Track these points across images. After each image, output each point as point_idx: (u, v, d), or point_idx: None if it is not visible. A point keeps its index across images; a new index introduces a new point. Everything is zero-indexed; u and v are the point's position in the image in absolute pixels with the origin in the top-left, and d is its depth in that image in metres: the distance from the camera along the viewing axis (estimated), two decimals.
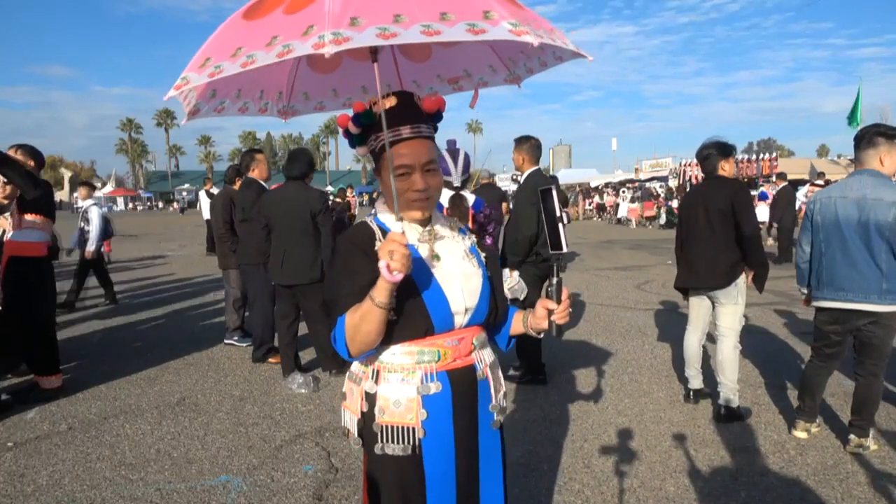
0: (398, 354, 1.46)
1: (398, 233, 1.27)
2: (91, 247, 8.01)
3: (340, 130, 1.49)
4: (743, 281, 3.81)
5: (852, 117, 21.06)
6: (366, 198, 46.36)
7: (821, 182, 13.57)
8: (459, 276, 1.49)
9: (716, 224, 3.82)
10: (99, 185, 65.41)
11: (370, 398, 1.48)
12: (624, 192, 28.95)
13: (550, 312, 1.48)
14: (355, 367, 1.55)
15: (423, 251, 1.48)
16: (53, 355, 4.45)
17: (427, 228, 1.51)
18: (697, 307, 4.08)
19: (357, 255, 1.43)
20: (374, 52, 1.40)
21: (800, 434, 3.57)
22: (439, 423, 1.46)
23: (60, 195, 59.45)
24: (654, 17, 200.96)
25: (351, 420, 1.53)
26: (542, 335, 1.57)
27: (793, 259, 9.60)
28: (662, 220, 23.03)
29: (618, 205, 27.93)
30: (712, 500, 2.92)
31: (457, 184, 4.08)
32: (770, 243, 13.61)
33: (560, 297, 1.46)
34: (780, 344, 5.69)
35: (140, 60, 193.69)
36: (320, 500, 2.95)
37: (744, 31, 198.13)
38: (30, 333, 4.32)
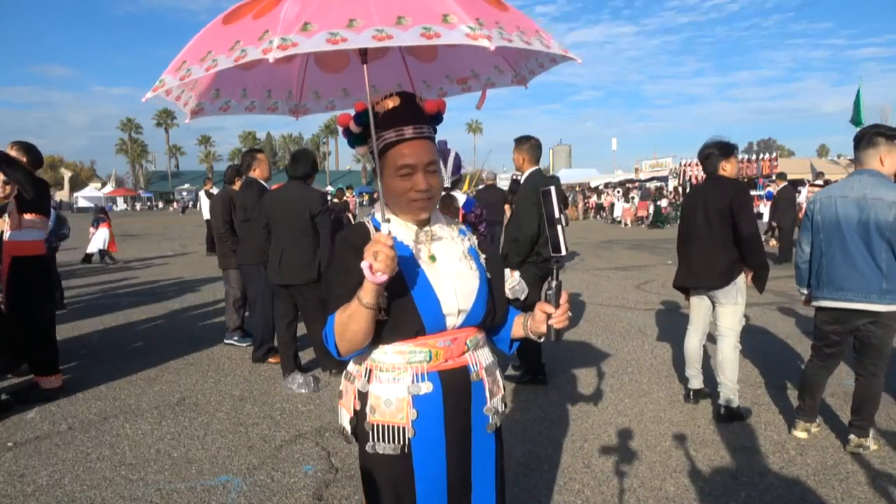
0: (390, 354, 1.46)
1: (384, 234, 1.28)
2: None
3: (340, 129, 1.50)
4: (742, 281, 3.81)
5: (857, 116, 20.96)
6: (366, 198, 46.31)
7: (820, 182, 13.58)
8: (454, 278, 1.48)
9: (714, 224, 3.82)
10: (99, 185, 65.53)
11: (362, 397, 1.48)
12: (618, 192, 29.08)
13: (549, 317, 1.47)
14: (350, 366, 1.56)
15: (419, 252, 1.47)
16: (53, 355, 4.45)
17: (424, 229, 1.51)
18: (698, 307, 4.08)
19: (351, 255, 1.42)
20: (363, 53, 1.40)
21: (800, 434, 3.57)
22: (430, 423, 1.46)
23: (60, 195, 59.45)
24: (654, 17, 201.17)
25: (345, 418, 1.54)
26: (542, 339, 1.55)
27: (793, 259, 9.60)
28: (650, 220, 23.38)
29: (613, 204, 28.10)
30: (712, 500, 2.92)
31: (447, 184, 4.08)
32: (773, 244, 13.62)
33: (559, 300, 1.45)
34: (780, 344, 5.69)
35: (140, 60, 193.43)
36: (320, 500, 2.95)
37: (744, 31, 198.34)
38: (30, 333, 4.32)
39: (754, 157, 31.47)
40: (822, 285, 3.36)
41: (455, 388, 1.48)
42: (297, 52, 1.17)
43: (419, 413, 1.44)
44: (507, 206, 7.98)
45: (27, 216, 4.25)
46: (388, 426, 1.44)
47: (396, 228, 1.46)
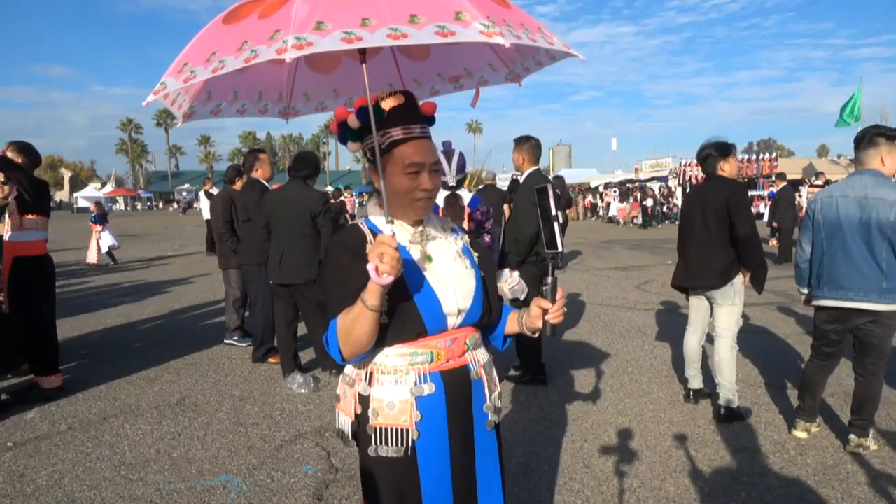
0: (391, 356, 1.45)
1: (388, 235, 1.27)
2: None
3: (332, 124, 1.47)
4: (740, 281, 3.81)
5: (849, 114, 20.88)
6: (365, 198, 46.21)
7: (819, 182, 13.58)
8: (451, 278, 1.48)
9: (712, 224, 3.82)
10: (99, 185, 65.51)
11: (363, 400, 1.47)
12: (615, 191, 29.25)
13: (545, 312, 1.47)
14: (348, 369, 1.55)
15: (415, 252, 1.47)
16: (54, 355, 4.45)
17: (419, 229, 1.51)
18: (697, 307, 4.08)
19: (348, 258, 1.42)
20: (363, 52, 1.38)
21: (800, 434, 3.57)
22: (433, 424, 1.45)
23: (60, 195, 59.47)
24: (654, 17, 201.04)
25: (345, 422, 1.53)
26: (536, 335, 1.56)
27: (793, 259, 9.59)
28: (639, 219, 23.50)
29: (609, 204, 28.26)
30: (712, 500, 2.92)
31: (452, 183, 4.08)
32: (773, 244, 13.62)
33: (555, 296, 1.46)
34: (780, 344, 5.69)
35: (140, 60, 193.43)
36: (320, 500, 2.94)
37: (744, 31, 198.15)
38: (30, 333, 4.32)
39: (754, 157, 31.43)
40: (822, 284, 3.36)
41: (457, 387, 1.48)
42: (313, 51, 1.15)
43: (423, 415, 1.44)
44: (506, 206, 7.99)
45: (28, 217, 4.26)
46: (392, 429, 1.44)
47: (394, 229, 1.44)
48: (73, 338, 6.19)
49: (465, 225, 4.11)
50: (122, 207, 62.63)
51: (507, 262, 4.37)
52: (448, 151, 4.17)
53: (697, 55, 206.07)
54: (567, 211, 15.39)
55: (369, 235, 1.46)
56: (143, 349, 5.75)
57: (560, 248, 1.50)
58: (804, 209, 4.15)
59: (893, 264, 3.13)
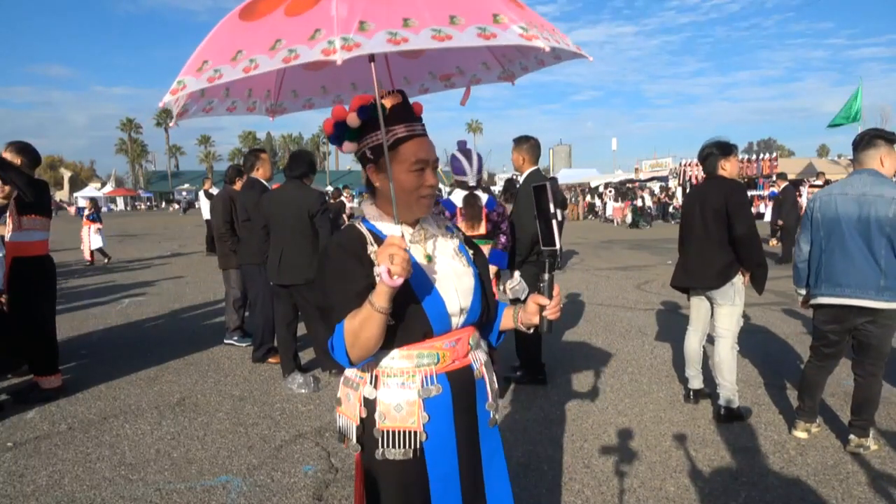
0: (397, 359, 1.44)
1: (397, 236, 1.26)
2: None
3: (326, 124, 1.44)
4: (740, 282, 3.81)
5: (845, 115, 20.85)
6: (365, 198, 46.23)
7: (819, 182, 13.58)
8: (452, 276, 1.49)
9: (711, 224, 3.82)
10: (98, 184, 65.50)
11: (369, 404, 1.46)
12: (611, 191, 29.39)
13: (542, 308, 1.48)
14: (351, 372, 1.53)
15: (416, 252, 1.47)
16: (53, 355, 4.45)
17: (417, 228, 1.51)
18: (697, 307, 4.08)
19: (349, 259, 1.41)
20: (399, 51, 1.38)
21: (800, 434, 3.57)
22: (441, 424, 1.46)
23: (60, 195, 59.44)
24: (654, 18, 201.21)
25: (348, 426, 1.51)
26: (532, 331, 1.57)
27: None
28: (629, 219, 23.66)
29: (606, 203, 28.46)
30: (712, 500, 2.92)
31: (472, 183, 4.08)
32: (773, 244, 13.61)
33: (552, 292, 1.47)
34: (780, 344, 5.69)
35: (140, 60, 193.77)
36: (320, 500, 2.94)
37: (744, 31, 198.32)
38: (30, 333, 4.32)
39: (754, 157, 31.43)
40: (820, 282, 3.36)
41: (462, 387, 1.49)
42: (361, 53, 1.11)
43: (430, 416, 1.44)
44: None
45: (28, 217, 4.25)
46: (400, 431, 1.43)
47: (393, 229, 1.42)
48: (73, 338, 6.19)
49: (483, 225, 4.11)
50: (122, 207, 62.61)
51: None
52: (466, 150, 4.18)
53: (697, 55, 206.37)
54: (563, 211, 15.41)
55: (369, 236, 1.45)
56: (143, 349, 5.75)
57: (557, 246, 1.50)
58: (804, 209, 4.14)
59: (892, 262, 3.13)
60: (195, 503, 2.92)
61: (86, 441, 3.65)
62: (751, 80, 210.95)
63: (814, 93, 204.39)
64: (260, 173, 5.23)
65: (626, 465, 3.26)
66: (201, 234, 14.67)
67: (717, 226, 3.79)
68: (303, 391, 4.46)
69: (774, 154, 31.72)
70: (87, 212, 13.03)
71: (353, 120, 1.41)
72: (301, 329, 4.89)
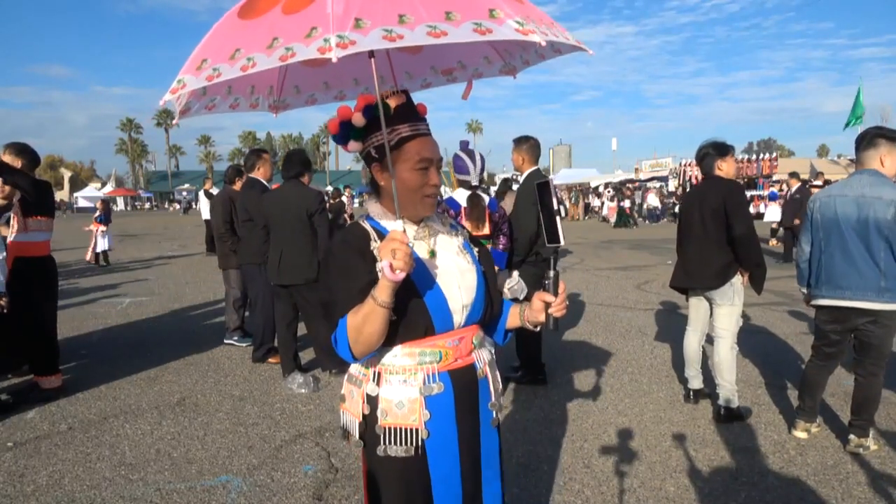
0: (399, 356, 1.45)
1: (399, 231, 1.27)
2: None
3: (332, 124, 1.45)
4: (739, 282, 3.81)
5: (853, 117, 20.93)
6: (365, 198, 46.29)
7: (819, 182, 13.56)
8: (456, 273, 1.49)
9: (709, 224, 3.82)
10: (99, 184, 65.50)
11: (372, 401, 1.47)
12: (609, 191, 29.54)
13: (548, 305, 1.49)
14: (355, 369, 1.54)
15: (420, 249, 1.48)
16: (54, 355, 4.45)
17: (421, 225, 1.52)
18: (696, 307, 4.08)
19: (353, 256, 1.42)
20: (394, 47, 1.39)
21: (800, 434, 3.57)
22: (442, 423, 1.46)
23: (60, 195, 59.41)
24: (654, 17, 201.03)
25: (351, 423, 1.52)
26: (538, 328, 1.57)
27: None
28: (614, 219, 23.82)
29: (603, 203, 28.65)
30: (712, 500, 2.92)
31: (475, 182, 4.09)
32: (773, 243, 13.60)
33: (557, 289, 1.47)
34: (780, 344, 5.69)
35: (140, 60, 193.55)
36: (320, 500, 2.95)
37: (744, 31, 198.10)
38: (31, 333, 4.32)
39: (754, 157, 31.45)
40: (820, 284, 3.36)
41: (464, 386, 1.50)
42: (356, 50, 1.13)
43: (432, 414, 1.45)
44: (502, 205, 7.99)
45: (33, 219, 4.29)
46: (401, 429, 1.44)
47: (396, 225, 1.42)
48: (73, 338, 6.19)
49: (487, 226, 4.11)
50: (122, 207, 62.61)
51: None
52: (468, 151, 4.18)
53: (697, 55, 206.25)
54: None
55: (372, 233, 1.47)
56: (143, 349, 5.75)
57: (562, 242, 1.51)
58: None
59: (892, 263, 3.13)
60: (195, 503, 2.92)
61: (86, 441, 3.65)
62: (751, 80, 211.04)
63: (814, 93, 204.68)
64: (260, 173, 5.24)
65: (626, 465, 3.26)
66: (201, 234, 14.66)
67: (715, 226, 3.79)
68: (303, 391, 4.46)
69: (774, 154, 31.77)
70: (97, 213, 13.08)
71: (358, 119, 1.42)
72: (301, 329, 4.89)
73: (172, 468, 3.28)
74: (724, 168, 3.91)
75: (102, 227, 12.71)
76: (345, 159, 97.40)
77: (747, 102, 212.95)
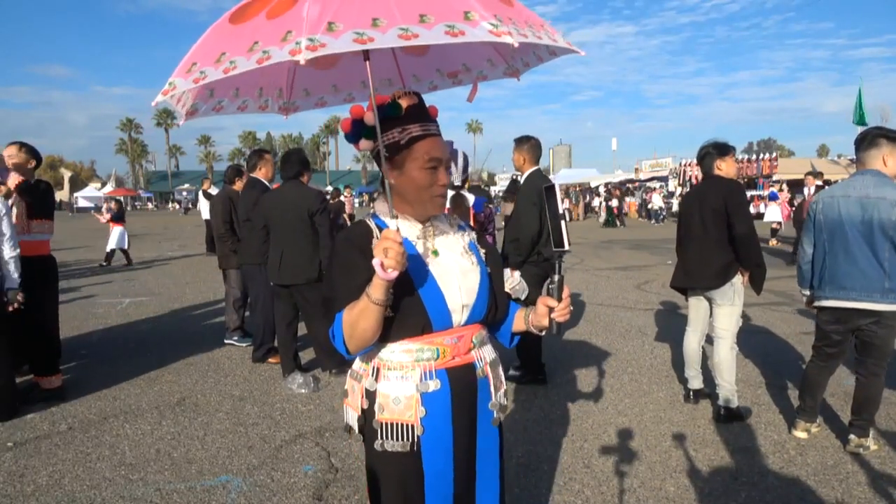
0: (397, 352, 1.47)
1: (392, 230, 1.29)
2: None
3: (344, 123, 1.48)
4: (739, 282, 3.81)
5: (859, 116, 20.90)
6: (366, 198, 46.37)
7: (819, 182, 13.54)
8: (457, 273, 1.50)
9: (710, 224, 3.82)
10: (99, 184, 65.51)
11: (370, 395, 1.49)
12: (608, 192, 29.66)
13: (551, 310, 1.49)
14: (356, 364, 1.57)
15: (422, 248, 1.49)
16: (55, 355, 4.45)
17: (426, 225, 1.53)
18: (696, 308, 4.08)
19: (354, 253, 1.44)
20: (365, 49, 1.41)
21: (800, 434, 3.57)
22: (438, 420, 1.47)
23: (60, 195, 59.41)
24: (654, 18, 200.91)
25: (352, 417, 1.55)
26: (543, 333, 1.58)
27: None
28: (602, 218, 24.01)
29: (601, 203, 28.76)
30: (712, 500, 2.92)
31: (457, 183, 4.09)
32: (773, 243, 13.59)
33: (561, 294, 1.48)
34: (780, 344, 5.69)
35: (140, 60, 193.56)
36: (320, 500, 2.95)
37: (744, 31, 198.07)
38: (32, 333, 4.32)
39: (754, 157, 31.46)
40: (824, 285, 3.35)
41: (462, 384, 1.50)
42: (326, 52, 1.16)
43: (428, 411, 1.46)
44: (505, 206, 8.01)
45: (37, 221, 4.37)
46: (398, 424, 1.46)
47: (401, 224, 1.46)
48: (73, 338, 6.19)
49: (470, 224, 4.12)
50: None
51: (508, 262, 4.38)
52: (451, 151, 4.19)
53: (697, 55, 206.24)
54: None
55: (376, 231, 1.48)
56: (143, 349, 5.75)
57: (568, 247, 1.51)
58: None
59: (895, 264, 3.13)
60: (195, 503, 2.92)
61: (86, 441, 3.65)
62: (751, 80, 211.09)
63: (814, 93, 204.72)
64: (262, 173, 5.24)
65: (626, 465, 3.26)
66: (201, 234, 14.65)
67: (715, 226, 3.79)
68: (303, 391, 4.46)
69: (774, 154, 31.78)
70: (111, 212, 13.21)
71: (369, 119, 1.44)
72: (301, 329, 4.89)
73: (172, 468, 3.28)
74: (724, 168, 3.90)
75: (119, 227, 12.78)
76: (345, 159, 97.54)
77: (747, 102, 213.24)
